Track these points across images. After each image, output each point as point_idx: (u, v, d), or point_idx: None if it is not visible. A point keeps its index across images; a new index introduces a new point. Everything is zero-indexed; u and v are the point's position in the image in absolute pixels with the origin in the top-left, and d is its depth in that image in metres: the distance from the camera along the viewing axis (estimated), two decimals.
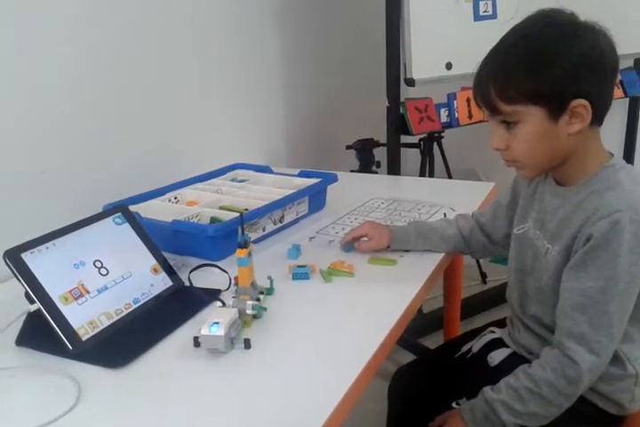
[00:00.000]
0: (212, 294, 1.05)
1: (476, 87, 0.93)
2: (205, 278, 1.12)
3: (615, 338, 0.89)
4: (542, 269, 1.00)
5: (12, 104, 1.24)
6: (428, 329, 2.18)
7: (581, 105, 0.86)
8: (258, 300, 0.98)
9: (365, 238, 1.22)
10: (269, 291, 1.06)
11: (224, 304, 0.94)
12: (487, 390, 0.96)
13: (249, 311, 0.94)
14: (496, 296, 2.35)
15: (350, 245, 1.23)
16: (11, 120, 1.24)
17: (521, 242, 1.07)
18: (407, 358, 1.76)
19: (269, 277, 1.07)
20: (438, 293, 1.86)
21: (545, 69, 0.86)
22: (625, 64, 2.44)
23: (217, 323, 0.85)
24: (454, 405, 1.03)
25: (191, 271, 1.12)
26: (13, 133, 1.25)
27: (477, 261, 2.61)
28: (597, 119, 0.90)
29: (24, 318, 0.90)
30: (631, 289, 0.88)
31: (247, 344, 0.88)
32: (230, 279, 1.07)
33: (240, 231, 1.00)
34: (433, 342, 2.10)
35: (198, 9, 1.71)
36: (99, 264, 0.99)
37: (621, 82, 2.42)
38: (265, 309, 0.99)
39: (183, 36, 1.68)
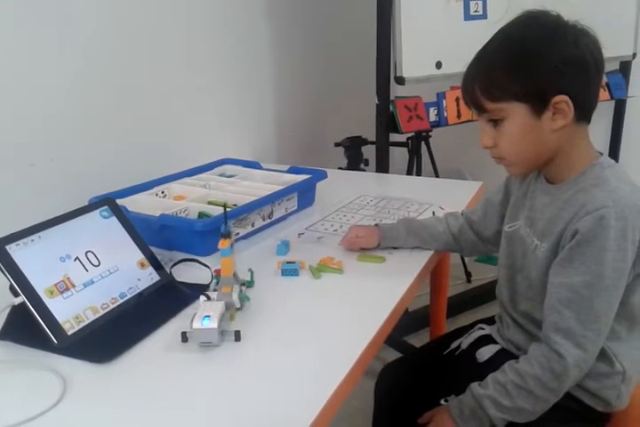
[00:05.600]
0: (199, 289, 1.03)
1: (464, 86, 0.96)
2: (191, 273, 1.11)
3: (602, 333, 0.90)
4: (532, 265, 1.00)
5: (1, 98, 1.22)
6: (413, 327, 2.19)
7: (563, 101, 0.88)
8: (240, 291, 0.98)
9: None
10: (250, 283, 1.06)
11: (209, 298, 0.93)
12: (475, 385, 0.96)
13: (236, 299, 0.94)
14: (481, 295, 2.37)
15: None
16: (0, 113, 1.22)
17: (511, 239, 1.07)
18: (392, 355, 1.75)
19: (250, 270, 1.07)
20: (423, 291, 1.86)
21: (526, 67, 0.88)
22: (611, 67, 2.47)
23: (208, 316, 0.85)
24: (442, 402, 1.03)
25: (172, 266, 1.11)
26: (2, 126, 1.23)
27: (462, 261, 2.62)
28: (583, 116, 0.92)
29: (8, 311, 0.88)
30: (617, 285, 0.89)
31: (237, 336, 0.88)
32: (212, 274, 1.07)
33: (224, 222, 1.00)
34: (418, 340, 2.12)
35: (190, 5, 1.70)
36: (85, 258, 0.97)
37: (607, 84, 2.44)
38: (249, 298, 0.99)
39: (174, 32, 1.66)
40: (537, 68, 0.88)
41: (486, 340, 1.13)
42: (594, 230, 0.87)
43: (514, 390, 0.91)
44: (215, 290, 0.99)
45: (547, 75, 0.87)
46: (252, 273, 1.08)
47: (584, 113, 0.92)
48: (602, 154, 0.97)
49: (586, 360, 0.90)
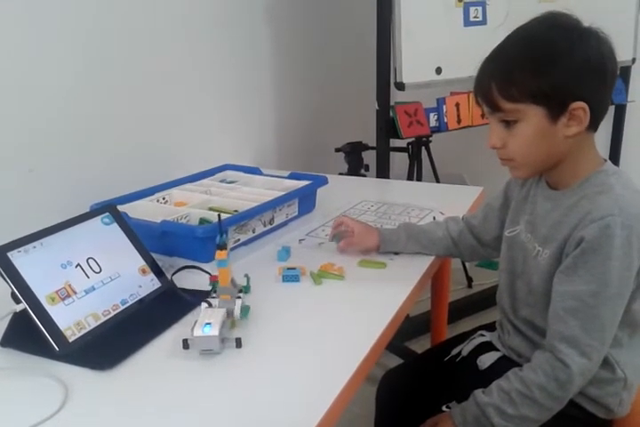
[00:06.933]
0: (200, 296, 1.03)
1: (478, 84, 0.93)
2: (192, 280, 1.11)
3: (606, 342, 0.90)
4: (532, 271, 1.00)
5: (1, 103, 1.22)
6: (414, 333, 2.19)
7: (581, 108, 0.87)
8: (239, 298, 0.98)
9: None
10: (246, 289, 1.06)
11: (210, 305, 0.93)
12: (478, 393, 0.96)
13: (238, 311, 0.94)
14: (482, 300, 2.37)
15: (338, 237, 1.23)
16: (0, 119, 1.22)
17: (512, 244, 1.07)
18: (393, 361, 1.75)
19: (246, 275, 1.08)
20: (424, 296, 1.86)
21: (548, 70, 0.86)
22: None
23: (209, 324, 0.85)
24: (444, 408, 1.03)
25: (174, 274, 1.11)
26: (2, 131, 1.23)
27: (464, 266, 2.62)
28: (593, 124, 0.91)
29: (9, 318, 0.88)
30: (622, 293, 0.89)
31: (239, 343, 0.88)
32: (210, 282, 1.06)
33: (219, 233, 1.00)
34: (419, 345, 2.11)
35: (189, 10, 1.71)
36: (86, 264, 0.97)
37: None
38: (249, 307, 1.00)
39: (173, 37, 1.67)
40: (560, 70, 0.86)
41: (487, 347, 1.12)
42: (599, 239, 0.86)
43: (518, 398, 0.91)
44: (214, 297, 0.99)
45: (569, 78, 0.86)
46: (248, 279, 1.08)
47: (595, 121, 0.91)
48: (606, 160, 0.97)
49: (590, 369, 0.90)
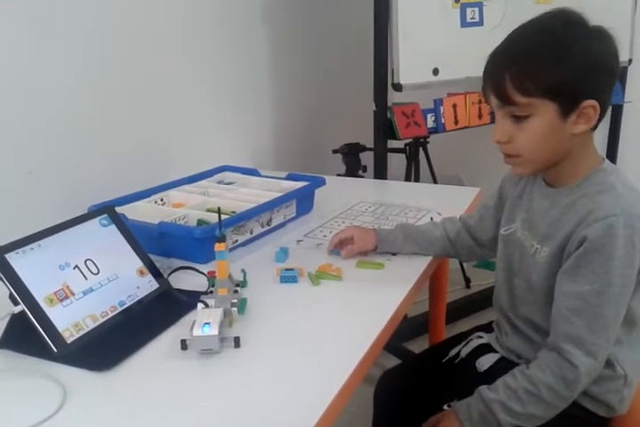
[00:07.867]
0: (197, 296, 1.04)
1: (489, 76, 0.91)
2: (189, 280, 1.11)
3: (610, 340, 0.90)
4: (530, 269, 1.00)
5: (1, 103, 1.22)
6: (412, 333, 2.19)
7: (591, 106, 0.87)
8: (236, 291, 1.00)
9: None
10: (243, 284, 1.08)
11: (207, 306, 0.94)
12: (484, 389, 0.95)
13: (235, 304, 0.95)
14: (480, 301, 2.37)
15: (338, 250, 1.23)
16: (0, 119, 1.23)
17: (508, 242, 1.07)
18: (391, 362, 1.75)
19: (243, 270, 1.09)
20: (422, 297, 1.86)
21: (564, 66, 0.86)
22: None
23: (208, 323, 0.85)
24: (445, 407, 1.03)
25: (169, 274, 1.12)
26: (2, 134, 1.23)
27: (461, 266, 2.62)
28: (597, 123, 0.91)
29: (8, 319, 0.88)
30: (625, 292, 0.89)
31: (237, 343, 0.88)
32: (207, 278, 1.08)
33: (218, 225, 1.02)
34: (417, 346, 2.11)
35: (187, 11, 1.71)
36: (84, 266, 0.97)
37: None
38: (245, 299, 1.01)
39: (172, 38, 1.67)
40: (576, 67, 0.85)
41: (485, 348, 1.12)
42: (602, 239, 0.87)
43: (525, 396, 0.91)
44: (211, 292, 1.00)
45: (582, 76, 0.86)
46: (244, 274, 1.09)
47: (599, 120, 0.91)
48: (604, 159, 0.97)
49: (596, 368, 0.91)
